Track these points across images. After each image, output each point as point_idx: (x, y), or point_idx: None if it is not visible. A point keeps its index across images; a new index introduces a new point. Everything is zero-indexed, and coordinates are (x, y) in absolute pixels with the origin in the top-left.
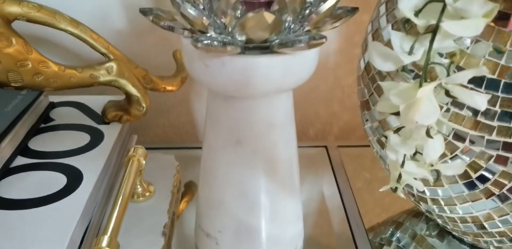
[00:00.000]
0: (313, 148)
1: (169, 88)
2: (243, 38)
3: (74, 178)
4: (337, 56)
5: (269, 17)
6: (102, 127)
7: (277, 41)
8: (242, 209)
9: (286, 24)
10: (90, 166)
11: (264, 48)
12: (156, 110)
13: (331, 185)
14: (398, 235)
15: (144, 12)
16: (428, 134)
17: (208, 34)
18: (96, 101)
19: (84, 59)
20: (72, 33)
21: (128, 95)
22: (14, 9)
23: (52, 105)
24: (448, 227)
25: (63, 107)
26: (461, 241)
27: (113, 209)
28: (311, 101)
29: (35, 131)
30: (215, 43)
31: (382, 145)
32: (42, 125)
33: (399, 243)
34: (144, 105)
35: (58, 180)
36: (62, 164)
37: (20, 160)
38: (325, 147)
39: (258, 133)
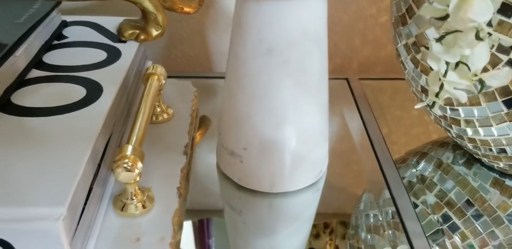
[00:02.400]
0: (334, 80)
1: (186, 9)
2: None
3: (94, 90)
4: None
5: None
6: (118, 45)
7: None
8: (269, 124)
9: None
10: (109, 79)
11: None
12: (170, 40)
13: (354, 115)
14: (422, 164)
15: None
16: (477, 36)
17: None
18: (111, 22)
19: None
20: None
21: (145, 13)
22: None
23: (65, 24)
24: (479, 152)
25: (76, 26)
26: (490, 168)
27: (135, 121)
28: (332, 34)
29: (48, 47)
30: None
31: (417, 63)
32: (55, 42)
33: (424, 172)
34: (161, 24)
35: (77, 91)
36: (80, 77)
37: (35, 72)
38: (346, 79)
39: (291, 41)
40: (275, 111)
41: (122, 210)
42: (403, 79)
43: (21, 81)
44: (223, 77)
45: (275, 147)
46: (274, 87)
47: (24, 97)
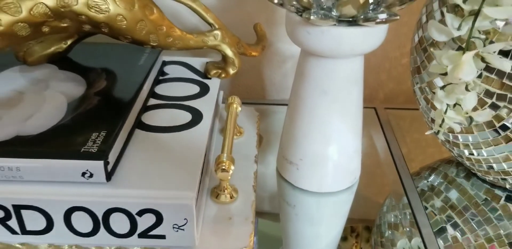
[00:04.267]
0: (364, 108)
1: (253, 53)
2: (337, 14)
3: (196, 115)
4: (387, 33)
5: (361, 0)
6: (206, 81)
7: (362, 17)
8: (319, 142)
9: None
10: (205, 107)
11: (352, 21)
12: None
13: (380, 137)
14: (432, 177)
15: None
16: (466, 88)
17: (313, 10)
18: (197, 62)
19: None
20: (190, 7)
21: (225, 58)
22: None
23: (164, 63)
24: (474, 168)
25: (172, 65)
26: (483, 181)
27: (225, 137)
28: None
29: (157, 81)
30: (319, 16)
31: (428, 101)
32: (160, 77)
33: (434, 183)
34: (237, 65)
35: (184, 116)
36: (184, 105)
37: (152, 101)
38: (374, 108)
39: (339, 85)
40: (323, 133)
41: (216, 198)
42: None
43: (146, 107)
44: (274, 104)
45: (323, 159)
46: (324, 117)
47: (149, 118)
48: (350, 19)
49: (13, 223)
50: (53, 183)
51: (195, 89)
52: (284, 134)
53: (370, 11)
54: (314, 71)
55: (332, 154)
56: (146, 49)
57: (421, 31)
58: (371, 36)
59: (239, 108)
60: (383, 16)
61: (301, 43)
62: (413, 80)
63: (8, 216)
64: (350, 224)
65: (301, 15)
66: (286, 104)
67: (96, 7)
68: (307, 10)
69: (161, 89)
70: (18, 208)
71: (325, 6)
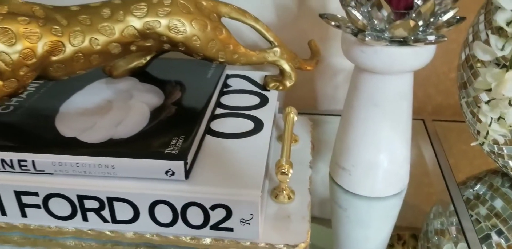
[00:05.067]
0: (413, 120)
1: (308, 68)
2: (390, 35)
3: (258, 124)
4: (436, 49)
5: (412, 23)
6: (265, 93)
7: (412, 38)
8: (371, 151)
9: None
10: (265, 116)
11: (403, 42)
12: None
13: (428, 147)
14: (478, 186)
15: (321, 15)
16: (510, 103)
17: (367, 32)
18: (255, 75)
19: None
20: (253, 27)
21: (283, 72)
22: (224, 9)
23: (227, 76)
24: None
25: (234, 78)
26: None
27: (284, 144)
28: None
29: (222, 92)
30: (373, 38)
31: (474, 114)
32: (224, 89)
33: (479, 192)
34: (293, 79)
35: (247, 124)
36: (247, 114)
37: (219, 110)
38: (422, 120)
39: (390, 99)
40: (375, 142)
41: (276, 198)
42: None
43: (213, 116)
44: (325, 114)
45: (374, 165)
46: (375, 127)
47: (217, 126)
48: (401, 40)
49: (105, 213)
50: (140, 179)
51: (256, 100)
52: (337, 142)
53: (420, 33)
54: (366, 86)
55: (383, 161)
56: (212, 64)
57: (468, 49)
58: (420, 55)
59: (296, 118)
60: (431, 37)
61: (355, 61)
62: (460, 95)
63: (102, 207)
64: (397, 231)
65: (356, 36)
66: (337, 115)
67: (175, 29)
68: (361, 31)
69: (225, 99)
70: (111, 200)
71: (378, 28)
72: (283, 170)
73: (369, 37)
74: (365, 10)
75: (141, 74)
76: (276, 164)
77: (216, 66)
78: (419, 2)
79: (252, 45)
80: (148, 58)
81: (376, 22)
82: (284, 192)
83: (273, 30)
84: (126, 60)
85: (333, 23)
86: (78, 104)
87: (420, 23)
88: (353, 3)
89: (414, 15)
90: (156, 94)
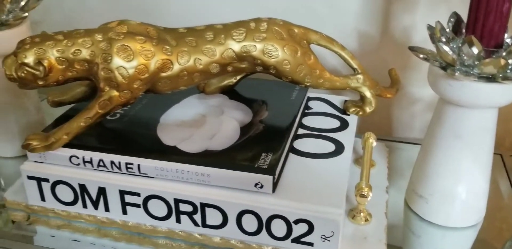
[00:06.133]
0: None
1: (388, 95)
2: (479, 71)
3: (339, 146)
4: None
5: (502, 61)
6: (345, 117)
7: (501, 75)
8: (450, 180)
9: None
10: (346, 140)
11: (491, 78)
12: None
13: (505, 182)
14: None
15: (410, 48)
16: None
17: (457, 67)
18: (335, 99)
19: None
20: (339, 55)
21: (364, 98)
22: (314, 37)
23: (308, 98)
24: None
25: (314, 101)
26: None
27: (363, 167)
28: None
29: (303, 114)
30: (463, 73)
31: None
32: (306, 111)
33: None
34: (373, 106)
35: (328, 145)
36: (328, 136)
37: (301, 131)
38: (500, 154)
39: (474, 132)
40: (454, 173)
41: (353, 218)
42: None
43: (296, 135)
44: (399, 141)
45: (452, 196)
46: (456, 158)
47: (300, 145)
48: (490, 76)
49: (197, 217)
50: (231, 189)
51: (336, 123)
52: (416, 170)
53: (509, 71)
54: (450, 118)
55: (461, 192)
56: (296, 86)
57: None
58: (507, 92)
59: (374, 143)
60: None
61: (441, 93)
62: None
63: (194, 211)
64: None
65: (444, 70)
66: (411, 143)
67: (269, 53)
68: (450, 66)
69: (307, 121)
70: (203, 206)
71: (467, 64)
72: (363, 193)
73: (458, 72)
74: (455, 46)
75: (231, 92)
76: (356, 186)
77: (299, 89)
78: (509, 41)
79: (332, 70)
80: (238, 77)
81: (465, 58)
82: (362, 214)
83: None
84: (219, 79)
85: (421, 56)
86: (176, 116)
87: (510, 61)
88: (443, 39)
89: (504, 53)
90: (244, 112)
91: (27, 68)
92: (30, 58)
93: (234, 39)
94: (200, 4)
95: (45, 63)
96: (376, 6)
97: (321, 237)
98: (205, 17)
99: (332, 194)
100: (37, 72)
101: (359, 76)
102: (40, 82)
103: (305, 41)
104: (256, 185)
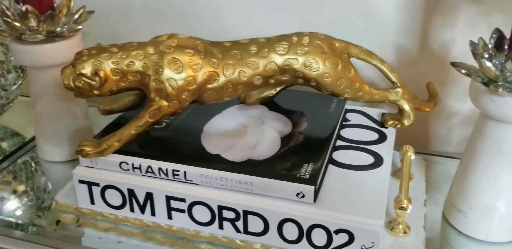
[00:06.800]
0: None
1: (426, 109)
2: None
3: (378, 158)
4: None
5: None
6: (383, 129)
7: None
8: (489, 195)
9: None
10: (384, 152)
11: None
12: None
13: None
14: None
15: (452, 63)
16: None
17: (500, 83)
18: (372, 111)
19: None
20: (379, 68)
21: (402, 111)
22: (354, 50)
23: (346, 110)
24: None
25: (352, 113)
26: None
27: (402, 180)
28: None
29: (341, 126)
30: (506, 89)
31: None
32: (344, 123)
33: None
34: (412, 119)
35: (367, 158)
36: (366, 148)
37: (339, 142)
38: None
39: None
40: (495, 188)
41: (391, 230)
42: None
43: (335, 147)
44: (436, 155)
45: (491, 210)
46: (497, 173)
47: (338, 156)
48: None
49: (239, 223)
50: (273, 198)
51: (374, 136)
52: (455, 184)
53: None
54: (492, 133)
55: (501, 207)
56: (334, 98)
57: None
58: None
59: (413, 157)
60: None
61: (483, 109)
62: None
63: (237, 218)
64: None
65: (486, 85)
66: (448, 157)
67: (310, 66)
68: (492, 81)
69: (345, 132)
70: (246, 213)
71: (509, 80)
72: (402, 205)
73: (501, 89)
74: (497, 62)
75: (270, 103)
76: (395, 199)
77: (337, 101)
78: None
79: (369, 83)
80: (278, 89)
81: (508, 74)
82: (400, 226)
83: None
84: (259, 90)
85: (463, 71)
86: (218, 126)
87: None
88: (486, 55)
89: None
90: (284, 123)
91: (84, 78)
92: (87, 69)
93: (277, 52)
94: (243, 18)
95: (101, 74)
96: (415, 20)
97: (361, 248)
98: (249, 32)
99: (372, 205)
100: (93, 83)
101: (398, 89)
102: (96, 92)
103: (345, 55)
104: (297, 194)
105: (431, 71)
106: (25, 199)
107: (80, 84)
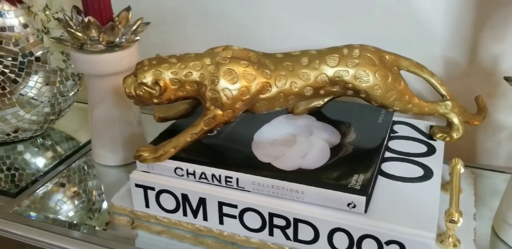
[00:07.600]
0: None
1: (476, 122)
2: None
3: (427, 171)
4: None
5: None
6: (431, 142)
7: None
8: None
9: None
10: (434, 165)
11: None
12: None
13: None
14: None
15: (506, 78)
16: None
17: None
18: (420, 123)
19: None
20: (428, 81)
21: (452, 124)
22: (404, 63)
23: (393, 122)
24: None
25: (399, 125)
26: None
27: (452, 194)
28: None
29: (389, 137)
30: None
31: None
32: (391, 134)
33: None
34: (461, 132)
35: (416, 170)
36: (415, 161)
37: (387, 154)
38: None
39: None
40: None
41: (441, 243)
42: None
43: (383, 158)
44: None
45: None
46: None
47: (387, 168)
48: None
49: (289, 231)
50: (324, 207)
51: (423, 148)
52: (505, 198)
53: None
54: None
55: None
56: (381, 110)
57: None
58: None
59: (462, 170)
60: None
61: None
62: None
63: (287, 226)
64: None
65: None
66: (496, 171)
67: (360, 78)
68: None
69: (393, 144)
70: (296, 221)
71: None
72: (453, 218)
73: None
74: None
75: (317, 114)
76: (446, 212)
77: (385, 113)
78: None
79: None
80: (326, 100)
81: None
82: (450, 239)
83: None
84: (307, 100)
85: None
86: (268, 135)
87: None
88: None
89: None
90: (333, 133)
91: (145, 87)
92: (148, 79)
93: (328, 64)
94: (294, 31)
95: (161, 83)
96: (464, 34)
97: None
98: (300, 44)
99: (424, 217)
100: (153, 91)
101: (448, 102)
102: (155, 100)
103: (395, 67)
104: (349, 204)
105: (480, 84)
106: (78, 201)
107: (141, 93)
